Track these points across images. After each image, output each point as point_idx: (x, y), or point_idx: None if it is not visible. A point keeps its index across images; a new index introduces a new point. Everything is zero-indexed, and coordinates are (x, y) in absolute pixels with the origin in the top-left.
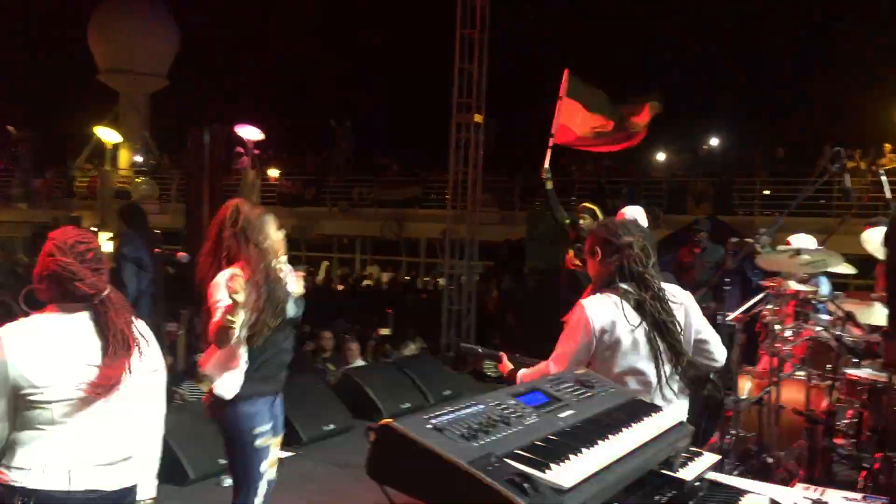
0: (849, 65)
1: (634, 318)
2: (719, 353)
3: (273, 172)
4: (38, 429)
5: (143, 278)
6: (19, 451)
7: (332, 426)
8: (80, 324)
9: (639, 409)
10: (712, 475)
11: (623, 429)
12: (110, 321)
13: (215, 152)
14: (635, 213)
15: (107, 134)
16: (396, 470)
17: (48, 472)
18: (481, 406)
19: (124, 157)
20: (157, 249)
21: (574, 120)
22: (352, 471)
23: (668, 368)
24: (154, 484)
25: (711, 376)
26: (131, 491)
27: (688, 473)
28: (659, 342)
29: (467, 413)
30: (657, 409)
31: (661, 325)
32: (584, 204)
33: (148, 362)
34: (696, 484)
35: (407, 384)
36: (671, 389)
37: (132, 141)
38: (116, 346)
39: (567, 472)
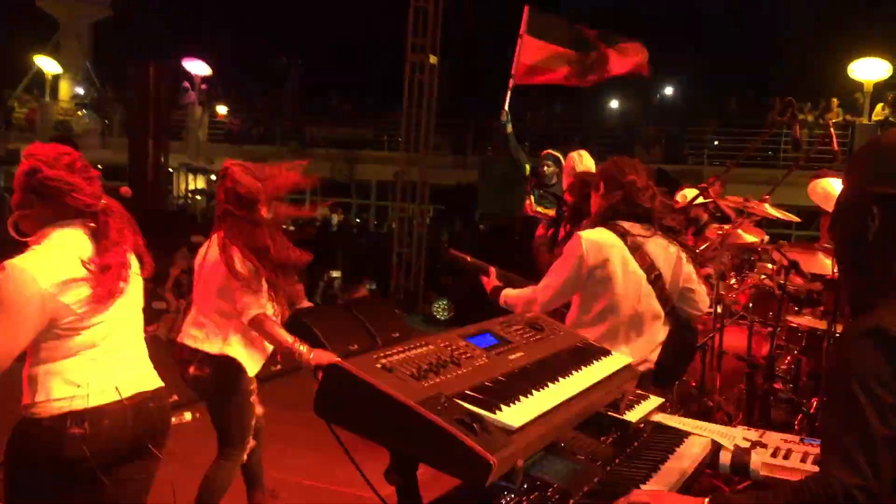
0: (801, 18)
1: (628, 257)
2: (703, 302)
3: (221, 110)
4: (79, 353)
5: None
6: (57, 380)
7: (278, 367)
8: (88, 239)
9: (587, 353)
10: (658, 417)
11: (572, 371)
12: (114, 230)
13: (160, 86)
14: (582, 157)
15: (46, 64)
16: (345, 410)
17: (96, 391)
18: (431, 346)
19: (65, 89)
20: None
21: (537, 57)
22: (298, 412)
23: (651, 312)
24: None
25: (690, 323)
26: (165, 392)
27: (633, 415)
28: (648, 283)
29: (417, 353)
30: (606, 352)
31: (652, 266)
32: (548, 151)
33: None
34: (642, 425)
35: (356, 326)
36: (651, 331)
37: (73, 72)
38: (116, 269)
39: (516, 413)
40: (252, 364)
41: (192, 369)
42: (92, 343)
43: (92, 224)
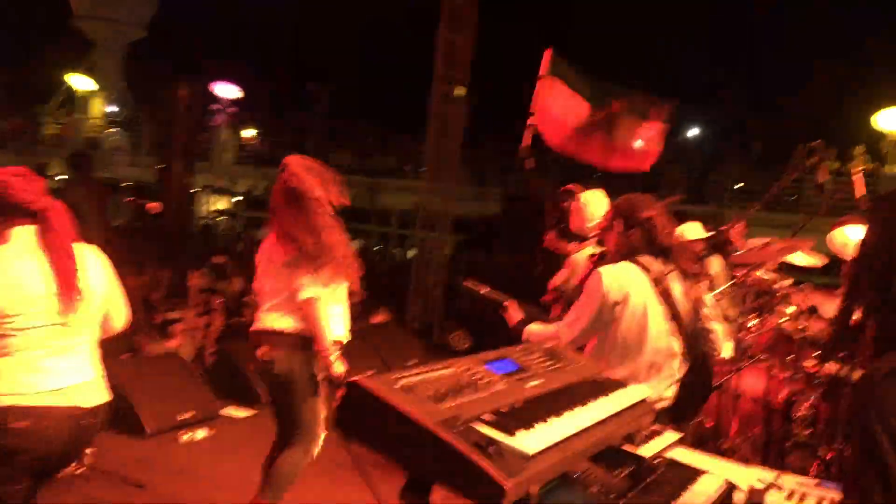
0: (829, 67)
1: (649, 292)
2: (720, 343)
3: (247, 132)
4: (25, 353)
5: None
6: (5, 375)
7: None
8: (29, 242)
9: (605, 385)
10: (673, 453)
11: (588, 401)
12: (55, 236)
13: (191, 108)
14: (595, 197)
15: (81, 82)
16: (363, 427)
17: (42, 392)
18: (451, 369)
19: (97, 107)
20: (128, 199)
21: (558, 100)
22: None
23: (671, 349)
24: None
25: (706, 362)
26: (105, 408)
27: (648, 450)
28: (668, 321)
29: (437, 375)
30: (622, 385)
31: (672, 304)
32: (569, 186)
33: (93, 282)
34: (656, 461)
35: (370, 353)
36: (671, 368)
37: (107, 90)
38: (64, 262)
39: (532, 439)
40: (330, 329)
41: (259, 352)
42: (41, 344)
43: (38, 223)
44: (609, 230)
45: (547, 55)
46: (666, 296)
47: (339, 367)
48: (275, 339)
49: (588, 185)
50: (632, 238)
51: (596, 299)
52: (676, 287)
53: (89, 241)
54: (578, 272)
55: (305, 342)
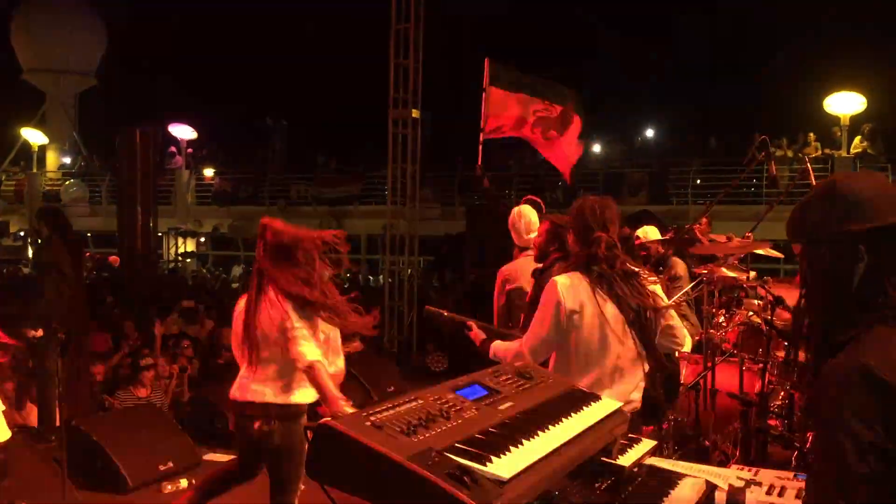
0: (777, 56)
1: (605, 300)
2: (683, 337)
3: (208, 172)
4: None
5: (62, 283)
6: None
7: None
8: None
9: (577, 399)
10: (651, 460)
11: (562, 418)
12: None
13: (147, 152)
14: (528, 210)
15: (33, 135)
16: (337, 469)
17: None
18: (421, 401)
19: (52, 159)
20: (88, 253)
21: (504, 108)
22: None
23: (633, 353)
24: None
25: (672, 358)
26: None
27: (626, 460)
28: (628, 327)
29: (406, 408)
30: (596, 397)
31: (631, 310)
32: (529, 197)
33: None
34: (635, 470)
35: (350, 382)
36: (634, 372)
37: (60, 142)
38: None
39: (506, 464)
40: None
41: (257, 424)
42: None
43: None
44: (570, 236)
45: (486, 66)
46: (623, 301)
47: (345, 409)
48: (273, 411)
49: (545, 196)
50: (586, 252)
51: (551, 308)
52: (633, 291)
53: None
54: (518, 280)
55: (301, 410)
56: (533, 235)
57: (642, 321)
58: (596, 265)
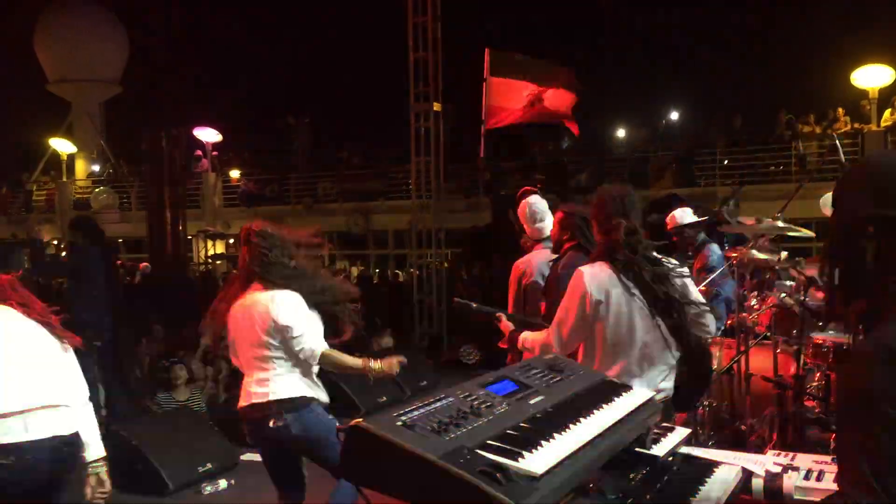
0: (801, 30)
1: (632, 290)
2: (712, 325)
3: (234, 173)
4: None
5: (97, 291)
6: None
7: None
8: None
9: (608, 390)
10: (685, 449)
11: (594, 411)
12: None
13: (174, 157)
14: (537, 199)
15: (61, 145)
16: (371, 470)
17: (16, 428)
18: (451, 399)
19: (81, 168)
20: (118, 261)
21: (504, 97)
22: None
23: (661, 340)
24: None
25: (703, 346)
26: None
27: (660, 449)
28: (655, 315)
29: (437, 407)
30: (627, 388)
31: (657, 298)
32: (525, 189)
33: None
34: (669, 459)
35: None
36: (663, 359)
37: (88, 150)
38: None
39: (539, 459)
40: (322, 391)
41: (272, 422)
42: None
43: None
44: (594, 226)
45: (486, 56)
46: (650, 289)
47: (377, 366)
48: (285, 405)
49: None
50: (609, 239)
51: (577, 298)
52: (661, 278)
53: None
54: (532, 274)
55: (303, 401)
56: (541, 224)
57: (669, 309)
58: (618, 252)
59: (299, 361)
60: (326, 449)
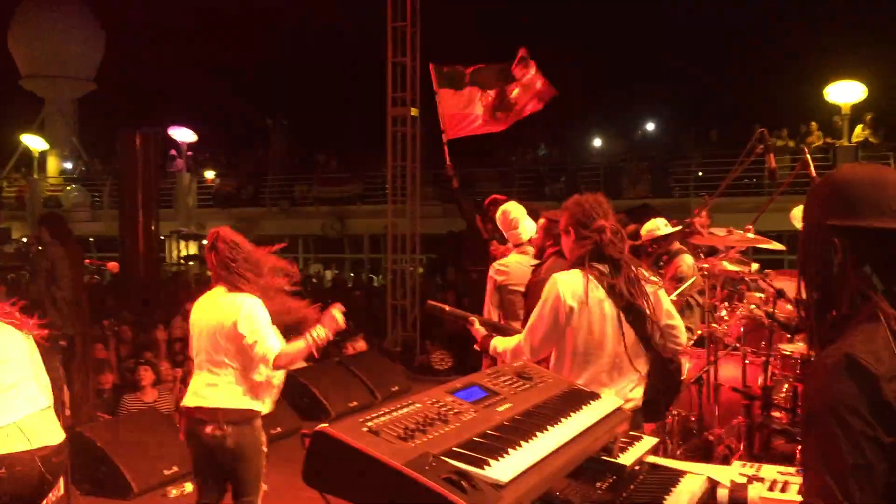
0: (776, 45)
1: (605, 298)
2: (683, 336)
3: (209, 174)
4: None
5: (62, 290)
6: None
7: (278, 429)
8: None
9: (577, 398)
10: (652, 458)
11: (561, 419)
12: None
13: (148, 156)
14: (514, 206)
15: (33, 141)
16: (335, 476)
17: (8, 439)
18: (418, 405)
19: (53, 165)
20: (87, 260)
21: (454, 106)
22: (299, 475)
23: (632, 350)
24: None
25: (673, 357)
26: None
27: (627, 458)
28: (627, 324)
29: (404, 413)
30: (595, 396)
31: (630, 307)
32: (494, 197)
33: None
34: (636, 468)
35: (354, 383)
36: (633, 369)
37: (60, 148)
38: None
39: (505, 467)
40: (266, 404)
41: (209, 429)
42: None
43: None
44: (565, 235)
45: (431, 71)
46: (622, 299)
47: (321, 332)
48: (230, 416)
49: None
50: (584, 246)
51: (550, 304)
52: (632, 289)
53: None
54: (514, 275)
55: (248, 414)
56: (516, 230)
57: (641, 319)
58: (605, 252)
59: (250, 371)
60: (248, 469)
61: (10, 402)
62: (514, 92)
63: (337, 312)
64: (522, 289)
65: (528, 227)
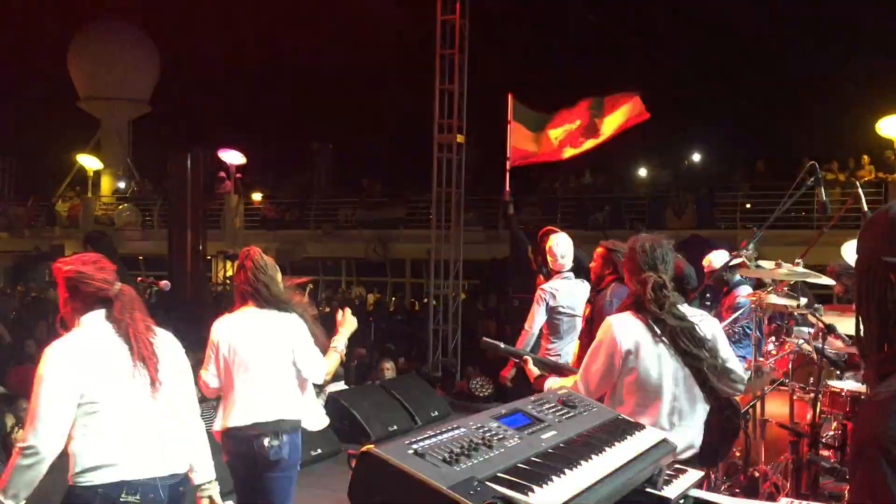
0: (827, 77)
1: (660, 342)
2: (741, 380)
3: (256, 196)
4: (115, 428)
5: None
6: (100, 451)
7: (318, 451)
8: (108, 328)
9: (622, 428)
10: (697, 492)
11: (606, 448)
12: (126, 320)
13: (197, 177)
14: (562, 239)
15: (88, 161)
16: (379, 496)
17: (137, 464)
18: (463, 429)
19: (106, 184)
20: (139, 278)
21: (524, 142)
22: (341, 497)
23: (691, 393)
24: (211, 466)
25: (731, 401)
26: (186, 477)
27: (672, 491)
28: (683, 368)
29: (449, 437)
30: (640, 427)
31: (686, 352)
32: (548, 228)
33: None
34: (681, 501)
35: (394, 406)
36: (689, 413)
37: (114, 167)
38: (140, 346)
39: (550, 495)
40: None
41: (267, 442)
42: (122, 419)
43: (111, 308)
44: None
45: (510, 101)
46: (679, 342)
47: (341, 342)
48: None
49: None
50: (639, 289)
51: (606, 347)
52: (690, 331)
53: None
54: (562, 297)
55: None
56: (563, 259)
57: (697, 363)
58: (645, 306)
59: (304, 383)
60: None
61: None
62: (604, 123)
63: (347, 315)
64: (569, 310)
65: (571, 258)
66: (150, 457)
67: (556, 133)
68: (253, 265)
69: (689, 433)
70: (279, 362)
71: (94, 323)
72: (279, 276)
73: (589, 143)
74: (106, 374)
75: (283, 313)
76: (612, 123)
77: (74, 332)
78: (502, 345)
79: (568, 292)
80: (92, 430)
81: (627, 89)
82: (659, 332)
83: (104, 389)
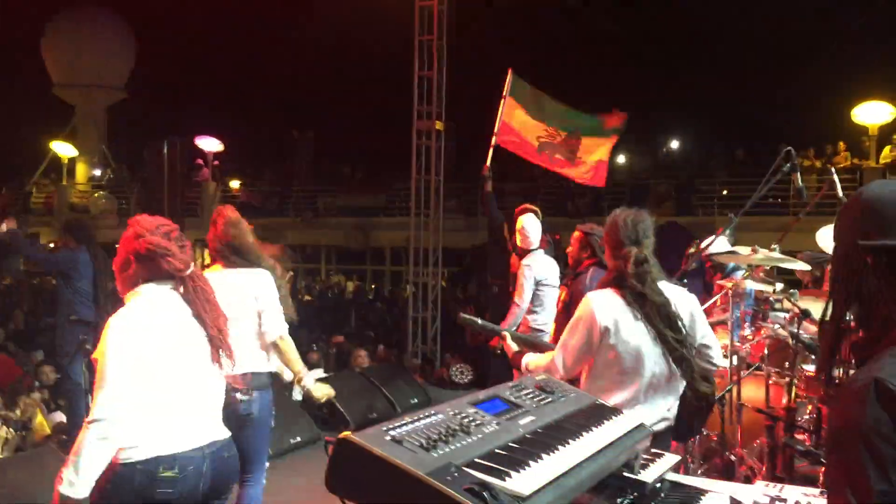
0: (804, 65)
1: (639, 318)
2: (718, 356)
3: (234, 183)
4: (162, 401)
5: (82, 294)
6: (145, 425)
7: (298, 439)
8: (176, 299)
9: (599, 413)
10: (673, 476)
11: (583, 433)
12: (199, 295)
13: (175, 164)
14: (530, 219)
15: (63, 148)
16: (356, 483)
17: (180, 437)
18: (441, 415)
19: (82, 172)
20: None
21: (515, 120)
22: (319, 484)
23: (668, 369)
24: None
25: (707, 376)
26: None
27: (648, 475)
28: (661, 344)
29: (426, 423)
30: (617, 412)
31: (663, 328)
32: (525, 206)
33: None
34: (657, 485)
35: (374, 393)
36: (668, 388)
37: (89, 155)
38: (212, 316)
39: (526, 480)
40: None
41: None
42: (173, 392)
43: (181, 288)
44: (606, 250)
45: (509, 75)
46: (657, 318)
47: (313, 388)
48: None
49: (568, 206)
50: (618, 265)
51: (585, 325)
52: (669, 308)
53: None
54: (539, 269)
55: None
56: (530, 238)
57: (674, 339)
58: (626, 281)
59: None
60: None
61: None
62: (580, 148)
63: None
64: (547, 282)
65: (538, 237)
66: (190, 430)
67: (539, 132)
68: (224, 221)
69: (663, 405)
70: (245, 320)
71: (156, 295)
72: (251, 238)
73: (561, 168)
74: (163, 348)
75: (253, 269)
76: (589, 154)
77: (135, 301)
78: (479, 320)
79: (543, 266)
80: (138, 404)
81: (611, 109)
82: (638, 308)
83: (159, 363)
